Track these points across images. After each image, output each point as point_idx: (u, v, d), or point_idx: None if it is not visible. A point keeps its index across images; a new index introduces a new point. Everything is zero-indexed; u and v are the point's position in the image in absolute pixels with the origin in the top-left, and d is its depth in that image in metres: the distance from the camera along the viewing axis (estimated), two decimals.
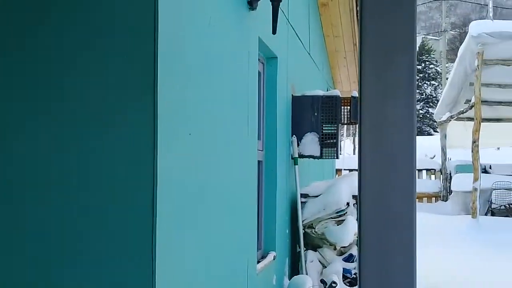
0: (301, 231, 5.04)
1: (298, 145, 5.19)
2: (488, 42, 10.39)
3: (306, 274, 4.90)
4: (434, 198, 14.05)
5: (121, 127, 2.01)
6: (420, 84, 42.16)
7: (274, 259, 4.29)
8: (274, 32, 3.66)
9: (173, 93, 2.15)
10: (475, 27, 10.57)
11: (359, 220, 1.47)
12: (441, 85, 33.24)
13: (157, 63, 2.00)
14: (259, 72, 4.26)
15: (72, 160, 2.04)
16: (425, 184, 14.25)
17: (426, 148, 27.16)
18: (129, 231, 1.99)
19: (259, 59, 4.20)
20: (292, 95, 5.24)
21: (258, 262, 3.96)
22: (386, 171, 1.32)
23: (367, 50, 1.38)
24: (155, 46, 2.00)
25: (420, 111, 41.64)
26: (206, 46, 2.59)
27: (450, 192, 13.14)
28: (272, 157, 4.48)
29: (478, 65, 10.49)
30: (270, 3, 3.61)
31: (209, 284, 2.58)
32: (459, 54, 11.71)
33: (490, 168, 13.69)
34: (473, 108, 10.72)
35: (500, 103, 13.26)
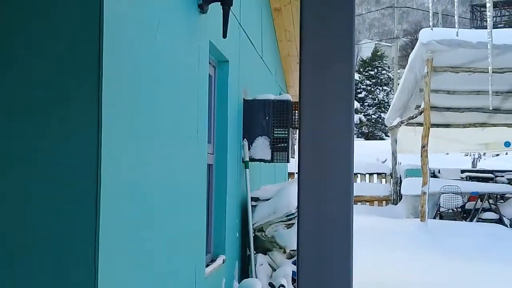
0: (251, 235, 5.06)
1: (249, 148, 5.21)
2: (438, 49, 10.63)
3: (256, 277, 4.92)
4: (385, 201, 14.29)
5: (65, 128, 1.99)
6: (372, 89, 42.78)
7: (223, 262, 4.29)
8: (224, 36, 3.67)
9: (119, 96, 2.14)
10: (425, 35, 10.80)
11: (298, 223, 1.49)
12: (393, 91, 33.85)
13: (102, 66, 1.98)
14: (210, 76, 4.26)
15: (14, 157, 2.00)
16: (376, 187, 14.48)
17: (378, 152, 27.60)
18: (71, 234, 1.97)
19: (210, 63, 4.21)
20: (243, 99, 5.26)
21: (207, 265, 3.96)
22: (324, 175, 1.35)
23: (306, 56, 1.41)
24: (100, 48, 1.98)
25: (373, 116, 42.24)
26: (155, 49, 2.58)
27: (400, 195, 13.39)
28: (222, 161, 4.49)
29: (427, 72, 10.72)
30: (221, 7, 3.62)
31: (154, 287, 2.56)
32: (409, 60, 11.95)
33: (439, 172, 14.01)
34: (422, 114, 10.94)
35: (448, 109, 13.58)
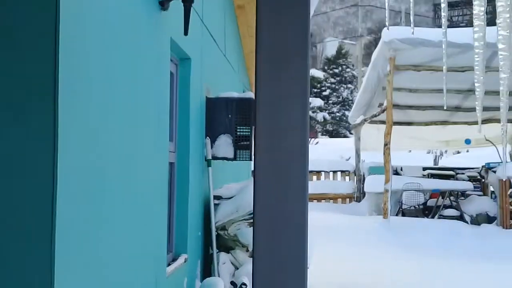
0: (214, 233, 5.03)
1: (211, 147, 5.18)
2: (400, 48, 10.75)
3: (218, 276, 4.90)
4: (349, 199, 14.40)
5: (21, 129, 1.94)
6: (337, 87, 43.11)
7: (185, 261, 4.26)
8: (186, 33, 3.64)
9: (75, 95, 2.09)
10: (388, 33, 10.89)
11: (254, 221, 1.48)
12: (357, 89, 34.16)
13: (58, 65, 1.94)
14: (172, 73, 4.22)
15: None
16: (340, 185, 14.58)
17: (342, 150, 27.83)
18: (28, 234, 1.93)
19: (172, 60, 4.17)
20: (206, 97, 5.22)
21: (169, 265, 3.92)
22: (279, 173, 1.34)
23: (262, 54, 1.39)
24: (56, 47, 1.94)
25: (337, 114, 42.56)
26: (113, 46, 2.54)
27: (364, 193, 13.51)
28: (184, 159, 4.45)
29: (390, 70, 10.83)
30: (182, 4, 3.58)
31: (113, 287, 2.53)
32: (372, 59, 12.06)
33: (401, 170, 14.17)
34: (385, 112, 11.05)
35: (411, 107, 13.77)
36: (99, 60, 2.36)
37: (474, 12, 1.57)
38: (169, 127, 4.00)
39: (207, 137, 5.17)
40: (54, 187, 1.93)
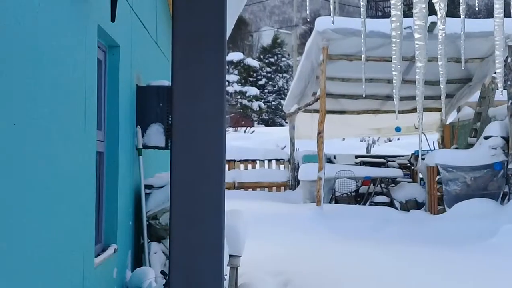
0: (145, 223, 4.99)
1: (142, 135, 5.12)
2: (333, 38, 10.91)
3: (150, 266, 4.87)
4: (283, 187, 14.55)
5: None
6: (272, 76, 43.40)
7: (115, 252, 4.21)
8: (113, 20, 3.58)
9: None
10: (321, 23, 11.03)
11: (170, 208, 1.47)
12: (293, 78, 34.49)
13: None
14: (100, 61, 4.15)
15: None
16: (274, 174, 14.71)
17: (278, 139, 28.10)
18: None
19: (100, 47, 4.09)
20: (137, 85, 5.16)
21: (98, 255, 3.87)
22: (196, 161, 1.34)
23: (178, 45, 1.38)
24: None
25: (273, 103, 42.87)
26: (32, 32, 2.46)
27: (298, 181, 13.68)
28: (114, 148, 4.39)
29: (323, 60, 10.98)
30: None
31: (37, 279, 2.47)
32: (306, 48, 12.19)
33: (335, 158, 14.44)
34: (318, 101, 11.20)
35: (343, 96, 14.02)
36: (17, 47, 2.29)
37: (392, 1, 1.61)
38: (98, 116, 3.93)
39: (138, 126, 5.11)
40: None
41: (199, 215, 1.28)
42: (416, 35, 1.75)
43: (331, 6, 1.87)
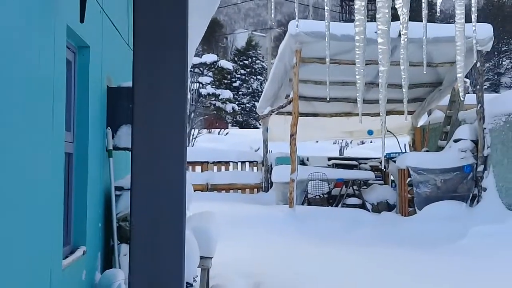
0: (115, 225, 4.97)
1: (113, 137, 5.09)
2: (306, 41, 10.98)
3: (119, 267, 4.84)
4: (256, 189, 14.58)
5: None
6: (247, 78, 43.44)
7: (84, 254, 4.18)
8: (81, 20, 3.56)
9: None
10: (294, 26, 11.09)
11: (130, 209, 1.48)
12: (267, 80, 34.56)
13: None
14: (69, 61, 4.12)
15: None
16: (248, 175, 14.73)
17: (251, 141, 28.14)
18: None
19: (69, 48, 4.06)
20: (107, 86, 5.13)
21: (66, 257, 3.84)
22: (157, 162, 1.34)
23: (139, 45, 1.39)
24: None
25: (247, 105, 42.92)
26: None
27: (271, 183, 13.72)
28: (83, 149, 4.36)
29: (296, 62, 11.05)
30: None
31: (2, 280, 2.44)
32: (279, 51, 12.25)
33: (308, 160, 14.52)
34: (291, 103, 11.25)
35: (316, 99, 14.10)
36: None
37: (356, 6, 1.63)
38: (67, 117, 3.91)
39: (108, 127, 5.08)
40: None
41: (159, 217, 1.28)
42: (379, 40, 1.77)
43: (296, 10, 1.89)
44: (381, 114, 1.86)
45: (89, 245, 4.36)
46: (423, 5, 1.80)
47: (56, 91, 3.39)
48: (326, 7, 1.73)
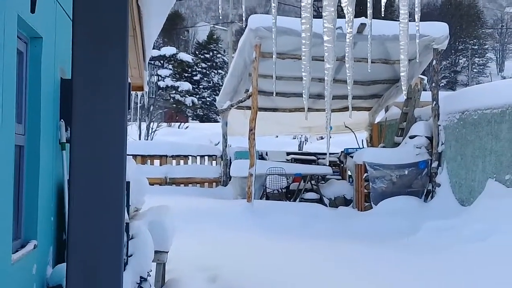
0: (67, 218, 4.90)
1: (66, 129, 5.02)
2: (265, 35, 11.00)
3: None
4: (215, 183, 14.57)
5: None
6: (208, 72, 43.29)
7: (34, 247, 4.12)
8: (32, 10, 3.50)
9: None
10: (254, 21, 11.10)
11: (68, 204, 1.47)
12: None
13: None
14: (21, 52, 4.05)
15: None
16: (207, 169, 14.70)
17: (211, 135, 28.09)
18: None
19: (21, 38, 3.99)
20: (61, 78, 5.05)
21: (16, 251, 3.78)
22: (97, 157, 1.34)
23: (79, 42, 1.38)
24: None
25: (208, 99, 42.79)
26: None
27: (230, 177, 13.74)
28: (35, 142, 4.28)
29: (255, 57, 11.06)
30: None
31: None
32: (239, 45, 12.25)
33: (267, 154, 14.57)
34: (251, 98, 11.27)
35: (276, 93, 14.14)
36: None
37: (302, 4, 1.65)
38: (18, 109, 3.84)
39: (62, 120, 5.00)
40: None
41: (98, 212, 1.28)
42: (325, 38, 1.80)
43: (243, 6, 1.90)
44: (326, 111, 1.89)
45: (40, 239, 4.29)
46: (368, 4, 1.84)
47: (6, 82, 3.33)
48: (273, 4, 1.74)
